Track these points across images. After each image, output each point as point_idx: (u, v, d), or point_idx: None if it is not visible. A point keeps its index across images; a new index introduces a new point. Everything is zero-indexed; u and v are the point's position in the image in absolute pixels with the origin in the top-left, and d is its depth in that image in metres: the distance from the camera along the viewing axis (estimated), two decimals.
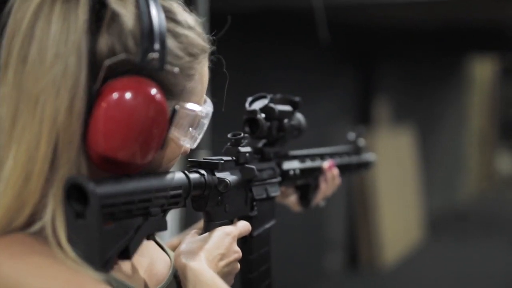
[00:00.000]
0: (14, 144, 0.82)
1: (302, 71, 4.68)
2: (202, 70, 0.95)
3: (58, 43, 0.81)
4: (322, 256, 5.35)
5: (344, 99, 5.65)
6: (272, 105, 1.23)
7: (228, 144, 1.13)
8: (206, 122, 0.98)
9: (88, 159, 0.84)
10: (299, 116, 1.33)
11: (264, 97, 1.25)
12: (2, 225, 0.83)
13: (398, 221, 5.96)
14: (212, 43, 0.99)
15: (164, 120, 0.86)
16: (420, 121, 6.89)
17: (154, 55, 0.83)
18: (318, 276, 5.19)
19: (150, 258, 1.04)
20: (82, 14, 0.82)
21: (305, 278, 4.92)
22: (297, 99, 1.32)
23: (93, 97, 0.82)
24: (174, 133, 0.91)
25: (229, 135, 1.13)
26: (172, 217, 2.44)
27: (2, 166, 0.83)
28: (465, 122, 8.90)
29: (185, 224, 2.49)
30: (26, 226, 0.84)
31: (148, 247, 1.05)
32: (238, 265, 1.05)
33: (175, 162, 0.97)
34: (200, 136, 0.98)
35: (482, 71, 9.28)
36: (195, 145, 0.98)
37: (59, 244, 0.81)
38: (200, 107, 0.95)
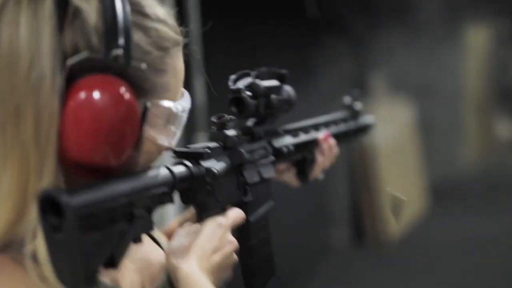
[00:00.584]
0: (3, 161, 0.77)
1: (297, 47, 4.64)
2: (175, 64, 0.91)
3: (30, 49, 0.76)
4: (327, 233, 5.35)
5: (341, 72, 5.62)
6: (257, 81, 1.17)
7: (213, 128, 1.07)
8: (184, 116, 0.94)
9: (64, 167, 0.80)
10: (287, 89, 1.26)
11: (248, 74, 1.19)
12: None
13: (401, 192, 5.95)
14: (185, 35, 0.94)
15: (135, 119, 0.82)
16: (417, 90, 6.87)
17: (119, 52, 0.78)
18: (324, 252, 5.20)
19: (143, 255, 1.01)
20: (48, 14, 0.77)
21: (311, 256, 4.92)
22: (283, 71, 1.27)
23: (61, 100, 0.78)
24: (149, 131, 0.87)
25: (212, 118, 1.08)
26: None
27: None
28: (462, 88, 8.87)
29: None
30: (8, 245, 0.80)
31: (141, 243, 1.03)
32: (235, 256, 1.01)
33: (155, 161, 0.92)
34: (179, 132, 0.94)
35: (478, 37, 9.24)
36: (174, 143, 0.93)
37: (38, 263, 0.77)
38: (174, 103, 0.90)
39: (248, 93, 1.16)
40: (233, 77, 1.19)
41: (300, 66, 4.48)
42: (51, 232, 0.73)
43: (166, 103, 0.89)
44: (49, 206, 0.74)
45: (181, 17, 0.96)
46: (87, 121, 0.77)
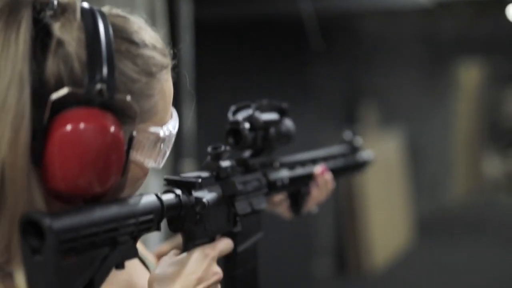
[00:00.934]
0: None
1: (289, 76, 4.68)
2: (164, 87, 0.90)
3: None
4: (310, 262, 5.34)
5: (331, 102, 5.65)
6: (257, 114, 1.17)
7: (208, 158, 1.06)
8: (171, 140, 0.93)
9: (47, 194, 0.79)
10: (287, 123, 1.26)
11: (248, 106, 1.18)
12: None
13: (386, 225, 5.96)
14: (174, 56, 0.94)
15: (120, 148, 0.80)
16: (407, 124, 6.91)
17: (102, 86, 0.78)
18: (307, 281, 5.18)
19: (128, 278, 1.00)
20: (22, 43, 0.76)
21: (294, 284, 4.91)
22: (284, 105, 1.26)
23: (43, 130, 0.77)
24: (136, 156, 0.87)
25: (208, 149, 1.06)
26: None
27: None
28: (452, 125, 8.92)
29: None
30: None
31: (128, 266, 1.01)
32: (219, 287, 0.99)
33: (141, 184, 0.92)
34: (166, 155, 0.93)
35: (469, 75, 9.32)
36: (161, 165, 0.93)
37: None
38: (162, 127, 0.90)
39: (247, 125, 1.15)
40: (232, 108, 1.18)
41: (291, 93, 4.51)
42: (31, 254, 0.73)
43: (153, 129, 0.88)
44: (31, 228, 0.73)
45: (173, 40, 0.96)
46: (71, 154, 0.76)
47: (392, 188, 6.28)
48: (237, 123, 1.14)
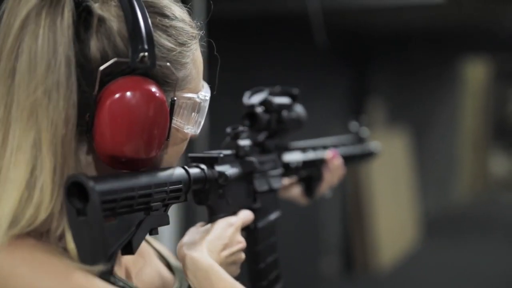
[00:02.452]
0: (11, 157, 0.83)
1: (297, 74, 4.67)
2: (195, 56, 0.97)
3: (47, 56, 0.82)
4: (317, 260, 5.33)
5: (338, 101, 5.64)
6: (270, 98, 1.24)
7: (227, 137, 1.13)
8: (206, 106, 0.99)
9: (98, 161, 0.88)
10: (298, 108, 1.33)
11: (262, 90, 1.26)
12: (12, 233, 0.83)
13: (393, 223, 5.95)
14: (201, 28, 1.00)
15: (165, 113, 0.88)
16: (414, 122, 6.90)
17: (145, 54, 0.85)
18: (314, 280, 5.18)
19: (157, 272, 1.06)
20: (67, 25, 0.83)
21: (301, 283, 4.90)
22: (295, 91, 1.33)
23: (94, 102, 0.84)
24: (177, 122, 0.94)
25: (227, 129, 1.13)
26: (173, 212, 2.41)
27: None
28: (459, 123, 8.91)
29: (186, 220, 2.48)
30: (35, 231, 0.85)
31: (157, 266, 1.08)
32: (243, 255, 1.06)
33: (181, 152, 0.99)
34: (203, 121, 0.99)
35: (475, 72, 9.31)
36: (198, 131, 0.99)
37: (65, 247, 0.82)
38: (197, 94, 0.97)
39: (261, 108, 1.22)
40: (248, 92, 1.26)
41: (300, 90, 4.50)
42: (75, 215, 0.80)
43: (190, 94, 0.95)
44: (76, 191, 0.80)
45: None
46: (122, 119, 0.84)
47: (398, 186, 6.27)
48: (252, 106, 1.22)
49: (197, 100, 0.96)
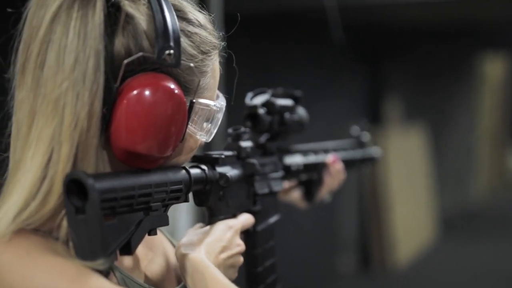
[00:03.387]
0: (31, 147, 0.83)
1: (313, 70, 4.66)
2: (214, 66, 0.97)
3: (76, 49, 0.83)
4: (334, 258, 5.33)
5: (355, 98, 5.63)
6: (272, 99, 1.23)
7: (229, 138, 1.12)
8: (220, 116, 0.99)
9: (111, 156, 0.87)
10: (300, 111, 1.32)
11: (265, 92, 1.25)
12: (17, 223, 0.83)
13: (410, 221, 5.93)
14: (222, 39, 1.00)
15: (184, 114, 0.89)
16: (431, 119, 6.87)
17: (170, 52, 0.85)
18: (331, 277, 5.17)
19: (166, 260, 1.06)
20: (98, 19, 0.84)
21: (318, 280, 4.90)
22: (298, 93, 1.32)
23: (113, 96, 0.84)
24: (191, 127, 0.94)
25: (229, 130, 1.12)
26: (187, 210, 2.43)
27: (18, 167, 0.85)
28: (476, 120, 8.85)
29: (203, 215, 2.48)
30: (44, 227, 0.85)
31: (170, 252, 1.08)
32: (241, 258, 1.05)
33: (191, 156, 0.99)
34: (215, 130, 0.99)
35: (493, 69, 9.24)
36: (210, 139, 0.99)
37: (66, 242, 0.83)
38: (214, 102, 0.97)
39: (264, 109, 1.21)
40: (250, 94, 1.24)
41: (313, 88, 4.49)
42: (74, 213, 0.79)
43: (208, 102, 0.96)
44: (75, 188, 0.79)
45: None
46: (141, 115, 0.84)
47: (416, 184, 6.25)
48: (254, 107, 1.20)
49: (214, 108, 0.97)
